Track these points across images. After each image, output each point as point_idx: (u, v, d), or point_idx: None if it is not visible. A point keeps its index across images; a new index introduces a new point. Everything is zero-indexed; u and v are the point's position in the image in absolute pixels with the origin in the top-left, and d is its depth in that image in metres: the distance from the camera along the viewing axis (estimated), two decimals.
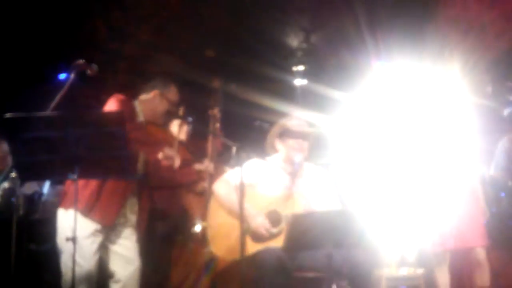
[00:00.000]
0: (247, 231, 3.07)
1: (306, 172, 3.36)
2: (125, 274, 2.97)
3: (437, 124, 3.74)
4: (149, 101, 3.22)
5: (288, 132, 3.29)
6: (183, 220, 3.71)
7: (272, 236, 3.08)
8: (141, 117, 3.18)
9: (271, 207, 3.14)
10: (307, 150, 3.31)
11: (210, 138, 3.72)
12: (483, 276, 3.58)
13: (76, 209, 2.64)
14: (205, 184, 3.59)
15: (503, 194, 4.54)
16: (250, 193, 3.19)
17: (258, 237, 3.08)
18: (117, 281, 2.98)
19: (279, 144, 3.34)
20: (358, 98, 6.36)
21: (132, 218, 3.05)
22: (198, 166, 3.61)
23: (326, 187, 3.34)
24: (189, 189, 3.69)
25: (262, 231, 3.05)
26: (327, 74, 6.29)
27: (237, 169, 3.06)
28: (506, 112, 4.38)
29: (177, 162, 3.10)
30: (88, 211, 2.87)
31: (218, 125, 3.95)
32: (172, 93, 3.30)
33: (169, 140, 3.30)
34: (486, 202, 3.79)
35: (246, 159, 3.03)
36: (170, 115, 3.31)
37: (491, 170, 4.43)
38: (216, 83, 4.04)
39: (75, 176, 2.54)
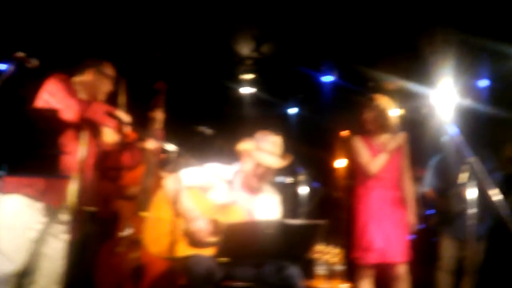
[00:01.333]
0: (184, 232, 3.03)
1: (262, 194, 3.32)
2: (44, 275, 2.88)
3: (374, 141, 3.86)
4: (87, 81, 3.18)
5: (256, 160, 3.20)
6: (112, 223, 3.63)
7: (207, 245, 3.05)
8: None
9: (214, 214, 3.11)
10: (271, 174, 3.28)
11: (150, 140, 3.67)
12: None
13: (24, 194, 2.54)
14: (135, 189, 3.53)
15: (430, 212, 4.72)
16: (199, 196, 3.16)
17: (193, 242, 3.05)
18: (34, 282, 2.88)
19: (245, 157, 3.27)
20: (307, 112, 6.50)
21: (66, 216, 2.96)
22: (140, 143, 3.54)
23: (272, 211, 3.31)
24: (120, 193, 3.61)
25: (200, 236, 3.02)
26: (276, 84, 6.36)
27: (185, 171, 3.03)
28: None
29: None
30: (41, 195, 2.79)
31: (160, 127, 3.90)
32: (108, 67, 3.26)
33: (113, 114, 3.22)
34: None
35: (184, 165, 3.00)
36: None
37: (422, 187, 4.62)
38: (161, 85, 3.99)
39: (3, 173, 2.44)
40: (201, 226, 3.04)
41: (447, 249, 4.37)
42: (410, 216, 3.81)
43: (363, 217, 3.76)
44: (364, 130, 3.91)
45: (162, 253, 3.02)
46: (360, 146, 3.85)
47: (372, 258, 3.65)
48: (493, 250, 4.40)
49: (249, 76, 6.24)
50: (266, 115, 6.32)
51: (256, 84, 6.31)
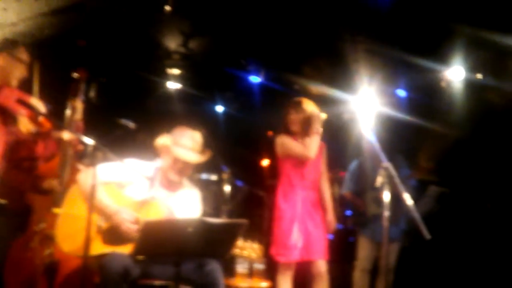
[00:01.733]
0: (99, 229, 2.91)
1: (182, 189, 3.27)
2: None
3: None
4: None
5: (173, 155, 3.14)
6: (25, 217, 3.43)
7: (126, 241, 2.95)
8: None
9: (134, 212, 3.01)
10: (189, 170, 3.22)
11: (67, 131, 3.50)
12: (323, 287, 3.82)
13: None
14: (53, 182, 3.35)
15: (348, 213, 4.91)
16: (116, 193, 3.06)
17: (109, 239, 2.94)
18: None
19: (163, 153, 3.21)
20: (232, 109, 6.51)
21: None
22: (55, 134, 3.37)
23: (194, 212, 3.26)
24: (34, 185, 3.42)
25: (125, 227, 2.91)
26: (202, 81, 6.31)
27: (102, 166, 2.91)
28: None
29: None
30: None
31: (79, 118, 3.73)
32: (22, 52, 3.08)
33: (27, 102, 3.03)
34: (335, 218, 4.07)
35: (102, 160, 2.87)
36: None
37: (342, 189, 4.79)
38: (82, 73, 3.82)
39: None
40: (126, 217, 2.93)
41: (363, 250, 4.55)
42: (329, 217, 3.93)
43: (284, 216, 3.82)
44: (288, 132, 3.97)
45: (76, 251, 2.90)
46: (288, 140, 3.90)
47: (292, 256, 3.72)
48: (406, 251, 4.66)
49: (176, 71, 6.14)
50: (192, 111, 6.25)
51: (183, 79, 6.23)
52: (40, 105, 3.02)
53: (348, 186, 4.77)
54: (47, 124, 3.39)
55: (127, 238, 2.93)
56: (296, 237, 3.73)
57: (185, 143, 3.16)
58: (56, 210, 3.11)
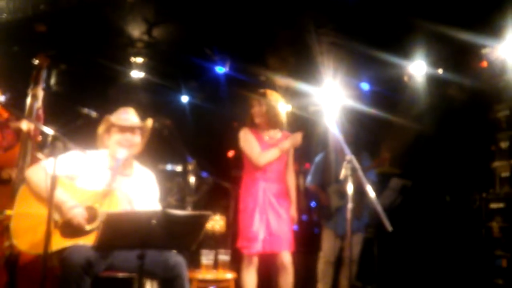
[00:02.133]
0: (56, 224, 2.85)
1: (135, 172, 3.24)
2: None
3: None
4: None
5: (114, 126, 3.14)
6: None
7: (85, 233, 2.90)
8: None
9: (89, 203, 2.95)
10: (137, 147, 3.20)
11: (26, 120, 3.39)
12: (288, 279, 3.86)
13: None
14: (11, 172, 3.25)
15: (313, 205, 4.97)
16: (68, 186, 2.98)
17: (68, 232, 2.88)
18: None
19: (107, 140, 3.19)
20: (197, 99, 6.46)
21: None
22: (14, 124, 3.26)
23: (151, 193, 3.24)
24: None
25: (79, 220, 2.86)
26: (166, 71, 6.23)
27: (56, 158, 2.81)
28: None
29: None
30: None
31: (40, 106, 3.62)
32: None
33: None
34: (299, 210, 4.11)
35: (62, 150, 2.80)
36: None
37: (307, 182, 4.84)
38: (42, 60, 3.70)
39: None
40: (78, 213, 2.88)
41: (327, 242, 4.61)
42: (292, 209, 3.96)
43: (249, 208, 3.83)
44: (253, 124, 3.97)
45: (34, 248, 2.81)
46: (250, 138, 3.91)
47: (256, 248, 3.74)
48: (370, 243, 4.75)
49: (140, 60, 6.03)
50: (157, 101, 6.16)
51: (147, 68, 6.13)
52: None
53: (312, 178, 4.82)
54: (4, 114, 3.27)
55: (82, 232, 2.88)
56: (256, 229, 3.75)
57: (123, 116, 3.18)
58: (8, 212, 3.02)
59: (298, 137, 3.96)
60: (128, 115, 3.21)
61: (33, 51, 3.78)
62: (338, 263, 4.60)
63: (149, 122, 3.23)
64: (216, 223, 3.00)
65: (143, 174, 3.28)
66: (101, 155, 3.16)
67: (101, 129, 3.21)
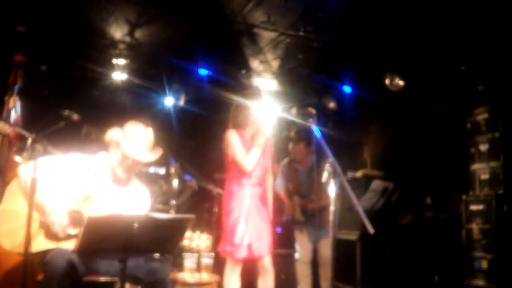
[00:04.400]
0: (42, 225, 2.82)
1: (131, 185, 3.18)
2: None
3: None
4: None
5: (124, 153, 3.03)
6: None
7: (69, 237, 2.87)
8: None
9: (76, 207, 2.92)
10: (137, 170, 3.14)
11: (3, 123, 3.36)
12: (269, 281, 3.86)
13: None
14: None
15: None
16: (56, 187, 2.93)
17: (52, 235, 2.85)
18: None
19: (112, 149, 3.09)
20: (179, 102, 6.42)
21: None
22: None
23: (142, 204, 3.19)
24: None
25: (57, 228, 2.83)
26: (149, 72, 6.20)
27: (38, 161, 2.77)
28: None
29: None
30: None
31: (12, 108, 3.58)
32: None
33: None
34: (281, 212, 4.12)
35: (42, 153, 2.76)
36: None
37: (275, 186, 4.73)
38: (20, 58, 3.64)
39: None
40: (58, 218, 2.85)
41: (300, 243, 4.62)
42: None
43: (234, 212, 3.81)
44: (235, 124, 3.96)
45: (17, 248, 2.78)
46: (236, 142, 3.87)
47: (238, 254, 3.72)
48: (351, 245, 4.78)
49: (122, 61, 5.98)
50: (139, 103, 6.12)
51: (130, 70, 6.08)
52: None
53: (281, 184, 4.76)
54: None
55: (64, 237, 2.85)
56: (242, 235, 3.73)
57: (137, 140, 3.06)
58: None
59: (262, 130, 3.94)
60: (143, 140, 3.07)
61: (12, 51, 3.73)
62: (315, 265, 4.62)
63: (159, 153, 3.12)
64: (202, 241, 2.98)
65: (139, 189, 3.22)
66: (96, 160, 3.09)
67: (108, 139, 3.10)
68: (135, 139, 3.05)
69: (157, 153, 3.12)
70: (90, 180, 3.03)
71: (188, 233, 2.91)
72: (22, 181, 2.90)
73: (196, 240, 2.98)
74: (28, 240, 2.56)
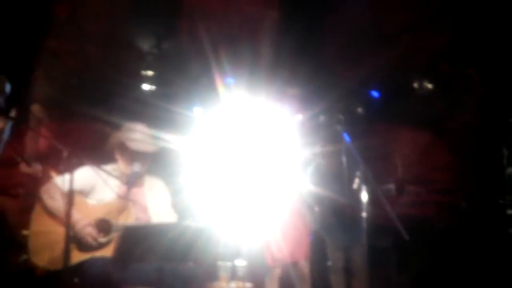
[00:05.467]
0: (72, 239, 2.86)
1: (146, 183, 3.26)
2: None
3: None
4: None
5: (126, 148, 3.16)
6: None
7: (100, 246, 2.91)
8: None
9: (102, 216, 2.97)
10: (148, 162, 3.21)
11: (29, 136, 3.43)
12: None
13: None
14: (20, 190, 3.28)
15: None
16: (81, 201, 3.00)
17: (84, 246, 2.89)
18: None
19: (117, 154, 3.21)
20: (207, 113, 6.47)
21: None
22: (25, 169, 3.29)
23: (164, 200, 3.27)
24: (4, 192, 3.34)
25: (89, 239, 2.87)
26: (177, 83, 6.26)
27: (66, 175, 2.83)
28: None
29: None
30: None
31: (42, 122, 3.66)
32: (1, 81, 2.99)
33: None
34: None
35: (77, 165, 2.82)
36: None
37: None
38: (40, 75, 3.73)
39: None
40: (89, 230, 2.90)
41: (333, 252, 4.57)
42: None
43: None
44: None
45: (53, 264, 2.83)
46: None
47: (280, 257, 3.75)
48: (376, 252, 4.69)
49: (150, 73, 6.07)
50: (169, 113, 6.19)
51: (159, 81, 6.16)
52: None
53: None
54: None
55: (95, 247, 2.90)
56: (283, 240, 3.76)
57: (137, 137, 3.19)
58: (25, 232, 3.04)
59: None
60: (143, 135, 3.22)
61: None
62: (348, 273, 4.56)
63: (161, 143, 3.25)
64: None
65: (154, 182, 3.31)
66: (113, 168, 3.18)
67: (111, 144, 3.24)
68: (135, 136, 3.18)
69: (159, 144, 3.25)
70: (111, 188, 3.09)
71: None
72: (46, 202, 2.96)
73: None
74: (66, 253, 2.61)
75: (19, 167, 3.32)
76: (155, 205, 3.18)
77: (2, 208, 3.41)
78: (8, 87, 3.06)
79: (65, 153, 3.02)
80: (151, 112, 5.73)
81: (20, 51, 4.60)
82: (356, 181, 3.49)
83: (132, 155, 3.14)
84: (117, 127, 3.75)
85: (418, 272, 4.96)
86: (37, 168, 3.35)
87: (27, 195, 3.33)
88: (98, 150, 3.49)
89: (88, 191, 3.07)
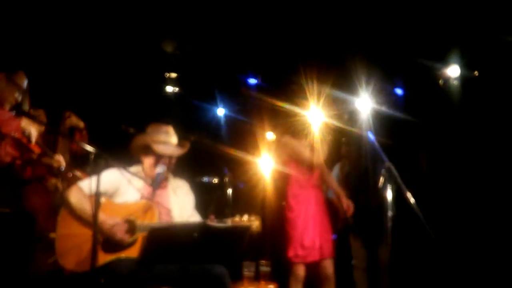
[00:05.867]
0: (97, 241, 2.92)
1: (170, 185, 3.30)
2: None
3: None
4: None
5: (151, 150, 3.18)
6: (26, 224, 3.43)
7: (126, 246, 2.96)
8: None
9: (127, 217, 3.00)
10: (172, 164, 3.25)
11: (60, 140, 3.51)
12: None
13: None
14: (54, 181, 3.35)
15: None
16: (106, 203, 3.05)
17: (110, 247, 2.94)
18: None
19: (142, 156, 3.25)
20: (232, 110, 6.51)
21: None
22: (46, 160, 3.36)
23: (187, 202, 3.30)
24: (37, 188, 3.42)
25: (117, 239, 2.92)
26: (200, 84, 6.31)
27: (93, 176, 2.89)
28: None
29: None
30: None
31: (82, 126, 3.74)
32: (20, 77, 3.06)
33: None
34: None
35: (104, 167, 2.87)
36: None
37: (328, 194, 4.72)
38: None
39: None
40: (116, 230, 2.94)
41: (356, 251, 4.55)
42: (343, 199, 3.97)
43: (298, 217, 3.85)
44: (293, 132, 3.99)
45: (80, 267, 2.89)
46: (298, 144, 3.93)
47: (309, 257, 3.75)
48: (400, 250, 4.64)
49: (173, 75, 6.14)
50: (192, 114, 6.25)
51: (181, 83, 6.23)
52: (34, 132, 3.03)
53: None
54: (36, 150, 3.35)
55: (123, 246, 2.94)
56: (312, 238, 3.76)
57: (163, 139, 3.20)
58: (52, 235, 3.12)
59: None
60: (168, 137, 3.23)
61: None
62: (374, 270, 4.52)
63: (187, 146, 3.26)
64: (251, 222, 3.03)
65: (178, 184, 3.33)
66: (137, 170, 3.22)
67: (135, 146, 3.26)
68: (161, 138, 3.18)
69: (185, 147, 3.25)
70: (135, 190, 3.13)
71: (237, 218, 3.02)
72: (73, 204, 3.00)
73: (246, 222, 3.04)
74: (94, 254, 2.66)
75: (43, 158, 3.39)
76: (179, 207, 3.20)
77: (33, 210, 3.50)
78: (25, 83, 3.14)
79: (92, 155, 3.10)
80: (175, 113, 5.80)
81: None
82: (381, 179, 3.46)
83: (157, 157, 3.17)
84: (142, 129, 3.82)
85: (444, 271, 4.88)
86: (59, 159, 3.42)
87: (55, 199, 3.43)
88: (123, 151, 3.55)
89: (113, 192, 3.11)
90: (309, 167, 3.90)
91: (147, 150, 3.20)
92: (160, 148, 3.16)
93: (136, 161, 3.29)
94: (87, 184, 2.98)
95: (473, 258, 4.92)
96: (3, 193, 3.40)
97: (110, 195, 3.11)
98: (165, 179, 3.26)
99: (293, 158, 3.93)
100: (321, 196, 3.96)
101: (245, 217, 3.07)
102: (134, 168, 3.23)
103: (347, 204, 3.93)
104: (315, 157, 3.87)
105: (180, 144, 3.25)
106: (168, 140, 3.21)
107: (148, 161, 3.20)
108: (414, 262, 4.76)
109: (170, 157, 3.20)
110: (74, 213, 3.00)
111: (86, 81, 4.21)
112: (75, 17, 4.78)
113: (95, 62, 5.23)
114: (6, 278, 3.30)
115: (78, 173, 3.60)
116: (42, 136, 3.45)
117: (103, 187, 3.02)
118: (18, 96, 3.12)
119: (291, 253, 3.80)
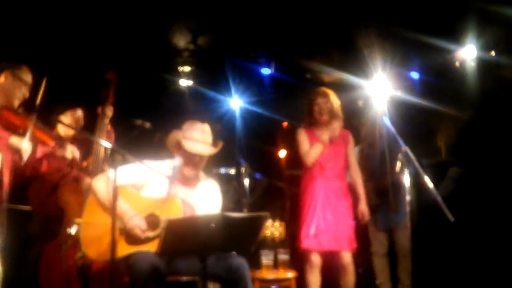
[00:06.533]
0: (121, 232, 2.96)
1: (200, 183, 3.29)
2: None
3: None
4: (2, 84, 3.04)
5: (182, 147, 3.16)
6: (57, 220, 3.49)
7: (148, 240, 2.99)
8: None
9: (152, 210, 3.04)
10: (203, 163, 3.24)
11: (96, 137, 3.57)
12: (349, 279, 3.83)
13: None
14: (88, 181, 3.43)
15: None
16: (132, 194, 3.08)
17: (132, 239, 2.98)
18: None
19: (174, 152, 3.24)
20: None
21: None
22: (60, 152, 3.42)
23: (213, 203, 3.28)
24: (72, 188, 3.48)
25: (138, 231, 2.95)
26: (214, 77, 6.33)
27: (119, 169, 2.92)
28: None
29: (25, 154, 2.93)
30: None
31: (107, 123, 3.80)
32: (25, 72, 3.10)
33: (25, 126, 3.06)
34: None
35: (121, 162, 2.90)
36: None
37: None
38: (111, 76, 3.86)
39: None
40: (137, 223, 2.97)
41: (375, 237, 4.52)
42: (362, 205, 3.93)
43: (306, 205, 3.85)
44: (311, 122, 3.98)
45: (102, 256, 2.94)
46: (303, 138, 3.93)
47: (318, 245, 3.75)
48: (419, 235, 4.59)
49: (187, 68, 6.16)
50: (206, 107, 6.28)
51: (195, 76, 6.25)
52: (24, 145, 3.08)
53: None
54: (50, 142, 3.39)
55: (145, 239, 2.97)
56: (315, 226, 3.75)
57: (196, 137, 3.18)
58: (77, 220, 3.16)
59: (335, 126, 3.91)
60: (202, 135, 3.20)
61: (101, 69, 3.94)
62: (393, 255, 4.49)
63: (219, 145, 3.23)
64: (275, 229, 3.05)
65: (207, 185, 3.32)
66: (170, 165, 3.19)
67: (170, 141, 3.26)
68: (194, 136, 3.17)
69: (218, 146, 3.23)
70: (163, 185, 3.14)
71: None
72: (99, 194, 3.05)
73: (270, 228, 3.04)
74: (113, 246, 2.69)
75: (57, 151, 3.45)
76: (204, 207, 3.20)
77: (65, 204, 3.57)
78: (30, 77, 3.18)
79: (109, 150, 3.14)
80: (189, 107, 5.82)
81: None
82: (398, 164, 3.43)
83: (188, 155, 3.16)
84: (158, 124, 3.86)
85: (463, 255, 4.83)
86: (73, 150, 3.48)
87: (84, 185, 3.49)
88: (142, 146, 3.58)
89: (142, 185, 3.14)
90: (304, 163, 3.87)
91: (178, 147, 3.20)
92: (189, 146, 3.14)
93: (170, 156, 3.26)
94: (118, 174, 2.99)
95: (492, 242, 4.86)
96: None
97: (138, 188, 3.14)
98: (196, 178, 3.26)
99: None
100: (338, 187, 3.91)
101: (269, 222, 3.09)
102: (166, 163, 3.23)
103: (362, 213, 3.92)
104: (309, 156, 3.85)
105: (213, 143, 3.22)
106: (201, 138, 3.19)
107: (180, 157, 3.18)
108: (434, 247, 4.72)
109: (200, 156, 3.18)
110: (100, 201, 3.04)
111: (97, 75, 4.24)
112: (88, 12, 4.81)
113: (108, 59, 5.27)
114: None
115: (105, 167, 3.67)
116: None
117: (132, 179, 3.10)
118: (25, 92, 3.15)
119: (301, 243, 3.81)
